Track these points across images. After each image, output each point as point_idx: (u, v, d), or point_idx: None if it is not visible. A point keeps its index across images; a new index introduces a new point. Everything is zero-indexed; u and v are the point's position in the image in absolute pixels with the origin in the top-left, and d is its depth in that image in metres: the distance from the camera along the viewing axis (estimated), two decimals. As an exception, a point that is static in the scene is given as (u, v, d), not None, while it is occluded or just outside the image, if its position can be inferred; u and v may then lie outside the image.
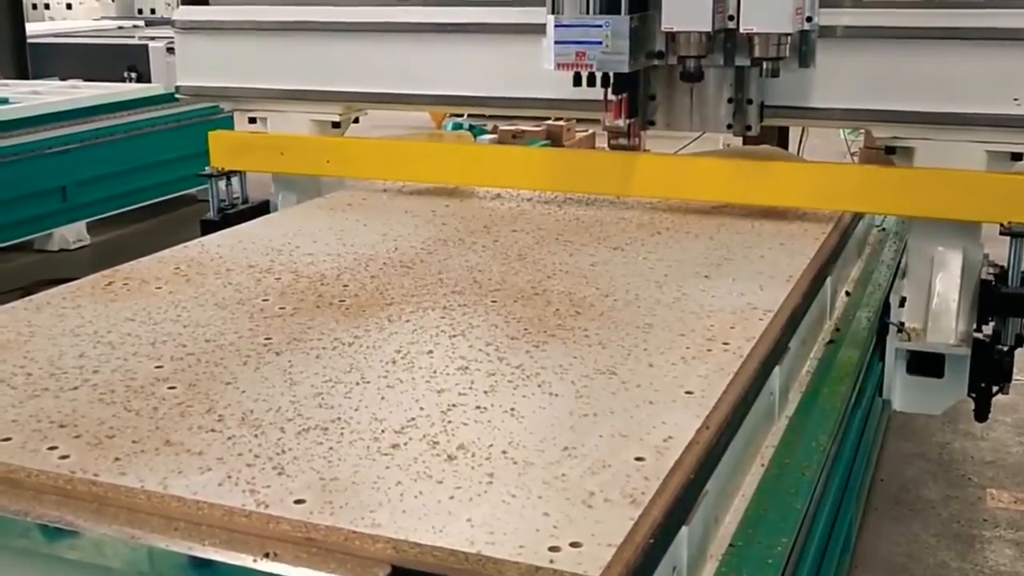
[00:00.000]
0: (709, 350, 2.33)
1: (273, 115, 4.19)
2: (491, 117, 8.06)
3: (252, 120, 4.26)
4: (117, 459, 1.81)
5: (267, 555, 1.60)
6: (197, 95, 4.36)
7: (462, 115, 9.30)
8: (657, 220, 3.51)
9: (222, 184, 4.18)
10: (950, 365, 3.52)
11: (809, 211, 3.59)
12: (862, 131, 5.53)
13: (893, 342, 3.60)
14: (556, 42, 3.18)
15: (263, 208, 4.24)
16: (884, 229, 4.49)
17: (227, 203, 4.20)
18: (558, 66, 3.20)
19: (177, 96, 4.41)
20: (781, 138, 5.96)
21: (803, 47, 3.19)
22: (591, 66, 3.17)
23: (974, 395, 3.56)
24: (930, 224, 3.50)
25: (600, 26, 3.13)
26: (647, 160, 3.76)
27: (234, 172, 4.20)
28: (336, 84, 4.03)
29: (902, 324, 3.59)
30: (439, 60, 3.88)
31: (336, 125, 4.14)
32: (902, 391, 3.70)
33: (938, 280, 3.50)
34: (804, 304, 2.83)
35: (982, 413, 3.62)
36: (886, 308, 3.62)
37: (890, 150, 3.49)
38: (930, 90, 3.34)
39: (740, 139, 4.54)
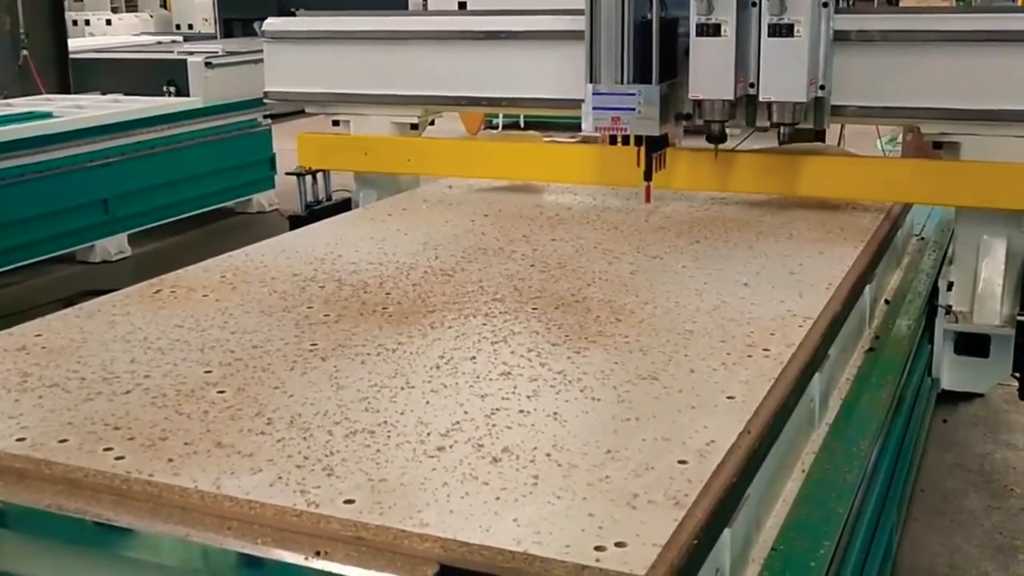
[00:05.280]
0: (750, 356, 2.35)
1: (356, 118, 4.51)
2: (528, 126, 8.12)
3: (336, 123, 4.58)
4: (170, 460, 1.85)
5: (318, 553, 1.63)
6: (284, 100, 4.67)
7: (497, 126, 9.38)
8: (695, 230, 3.53)
9: (309, 182, 4.54)
10: (995, 345, 3.83)
11: (847, 221, 3.61)
12: (899, 141, 5.58)
13: (941, 324, 3.86)
14: (594, 108, 3.48)
15: (346, 205, 4.54)
16: (923, 238, 4.49)
17: (313, 200, 4.53)
18: (596, 129, 3.52)
19: (266, 101, 4.70)
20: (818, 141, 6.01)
21: (817, 111, 3.56)
22: (625, 129, 3.47)
23: (1018, 375, 3.80)
24: (976, 213, 3.80)
25: (633, 94, 3.43)
26: (695, 156, 3.99)
27: (319, 171, 4.57)
28: (414, 89, 4.35)
29: (950, 307, 3.86)
30: (504, 65, 4.17)
31: (415, 127, 4.48)
32: (950, 370, 4.02)
33: (984, 265, 3.80)
34: (843, 312, 2.84)
35: None
36: (934, 291, 3.87)
37: (937, 145, 3.75)
38: (977, 88, 3.59)
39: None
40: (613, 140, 3.55)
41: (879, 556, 2.74)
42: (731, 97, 3.44)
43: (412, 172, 4.54)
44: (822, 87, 3.50)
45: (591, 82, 3.47)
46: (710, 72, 3.43)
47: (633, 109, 3.43)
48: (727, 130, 3.75)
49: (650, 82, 3.41)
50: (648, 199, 3.71)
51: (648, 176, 3.61)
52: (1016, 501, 4.00)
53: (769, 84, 3.42)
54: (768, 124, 3.56)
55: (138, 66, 10.59)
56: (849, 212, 3.76)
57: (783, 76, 3.39)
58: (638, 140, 3.54)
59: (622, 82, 3.43)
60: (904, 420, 3.26)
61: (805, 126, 3.57)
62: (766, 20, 3.36)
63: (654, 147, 3.59)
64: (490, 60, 4.18)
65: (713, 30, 3.39)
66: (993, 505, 3.97)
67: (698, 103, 3.53)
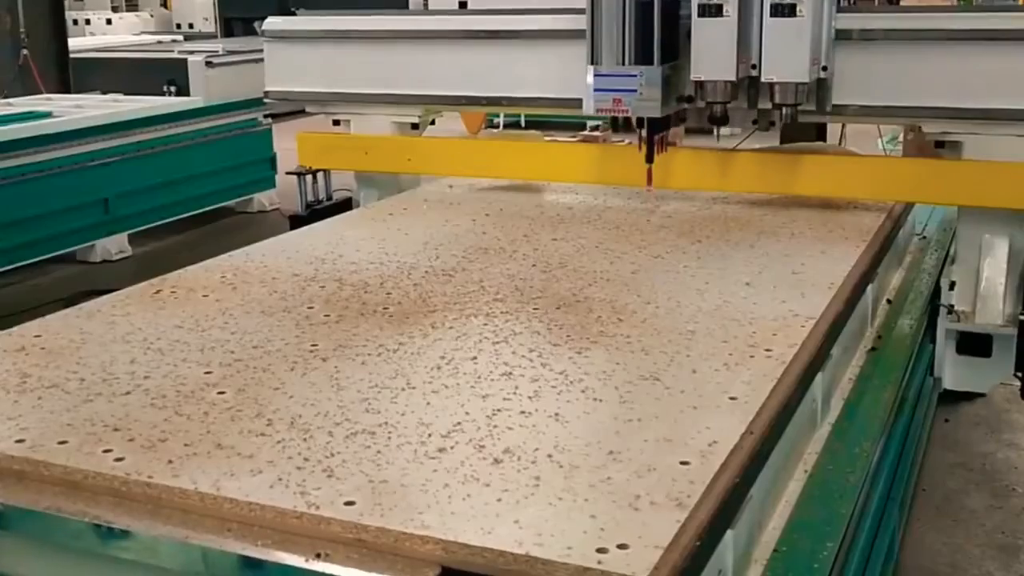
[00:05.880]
0: (752, 356, 2.34)
1: (356, 117, 4.48)
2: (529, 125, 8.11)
3: (336, 122, 4.55)
4: (170, 461, 1.85)
5: (318, 555, 1.63)
6: (284, 100, 4.64)
7: (498, 126, 9.37)
8: (697, 229, 3.52)
9: (309, 181, 4.52)
10: (997, 345, 3.79)
11: (849, 220, 3.60)
12: (900, 140, 5.56)
13: (944, 323, 3.83)
14: (595, 90, 3.46)
15: (346, 205, 4.51)
16: (925, 238, 4.48)
17: (314, 199, 4.50)
18: (597, 111, 3.48)
19: (266, 100, 4.68)
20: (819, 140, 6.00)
21: (819, 92, 3.53)
22: (627, 111, 3.44)
23: (1020, 374, 3.75)
24: (978, 212, 3.76)
25: (635, 76, 3.40)
26: (697, 155, 3.99)
27: (319, 170, 4.55)
28: (415, 88, 4.32)
29: (952, 306, 3.82)
30: (504, 64, 4.14)
31: (415, 126, 4.45)
32: (952, 370, 3.98)
33: (986, 265, 3.76)
34: (846, 311, 2.83)
35: None
36: (936, 291, 3.87)
37: (939, 144, 3.72)
38: (978, 87, 3.55)
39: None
40: (615, 122, 3.54)
41: (881, 556, 2.74)
42: (732, 78, 3.42)
43: (413, 171, 4.52)
44: (824, 68, 3.48)
45: (592, 64, 3.45)
46: (712, 53, 3.41)
47: (635, 91, 3.40)
48: (730, 130, 3.73)
49: (652, 63, 3.39)
50: (650, 182, 3.68)
51: (650, 158, 3.59)
52: (1018, 500, 3.99)
53: (771, 64, 3.40)
54: (770, 105, 3.53)
55: (138, 65, 10.61)
56: (851, 211, 3.75)
57: (785, 56, 3.37)
58: (640, 122, 3.53)
59: (624, 63, 3.41)
60: (906, 420, 3.25)
61: (807, 108, 3.53)
62: (768, 0, 3.35)
63: (656, 129, 3.57)
64: (490, 59, 4.16)
65: (715, 10, 3.38)
66: (995, 505, 3.96)
67: (700, 84, 3.50)
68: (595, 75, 3.44)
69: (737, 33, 3.39)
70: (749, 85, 3.54)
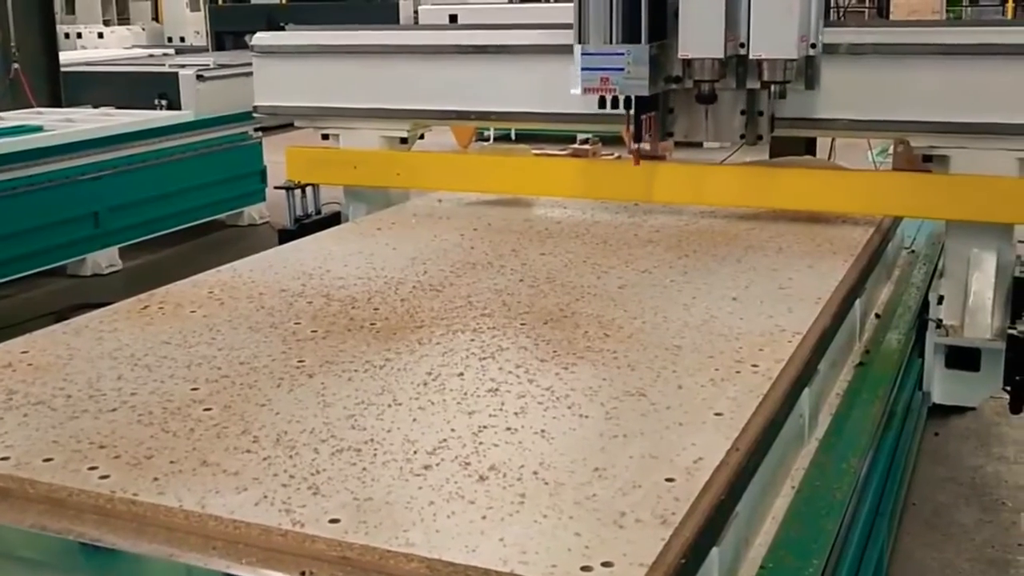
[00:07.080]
0: (738, 372, 2.34)
1: (345, 132, 4.49)
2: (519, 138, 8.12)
3: (325, 137, 4.56)
4: (156, 479, 1.84)
5: (303, 573, 1.62)
6: (273, 114, 4.65)
7: (489, 138, 9.38)
8: (684, 243, 3.53)
9: (298, 196, 4.52)
10: (986, 359, 3.78)
11: (837, 235, 3.61)
12: (890, 153, 5.59)
13: (932, 338, 3.82)
14: (582, 69, 3.45)
15: (335, 219, 4.50)
16: (913, 252, 4.49)
17: (303, 214, 4.50)
18: (584, 90, 3.46)
19: (255, 115, 4.69)
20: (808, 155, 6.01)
21: (808, 70, 3.50)
22: (614, 90, 3.43)
23: (1008, 388, 3.75)
24: (966, 227, 3.76)
25: (622, 54, 3.40)
26: (685, 169, 4.01)
27: (308, 185, 4.55)
28: (404, 103, 4.33)
29: (940, 320, 3.81)
30: (492, 79, 4.17)
31: (404, 141, 4.46)
32: (941, 384, 3.97)
33: (974, 279, 3.75)
34: (833, 326, 2.83)
35: (1017, 405, 3.81)
36: (925, 305, 3.87)
37: (927, 158, 3.73)
38: (965, 102, 3.57)
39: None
40: (602, 103, 3.52)
41: (870, 572, 2.73)
42: (720, 55, 3.39)
43: (401, 186, 4.52)
44: (813, 45, 3.44)
45: (580, 43, 3.44)
46: (699, 30, 3.39)
47: (622, 69, 3.39)
48: (719, 143, 3.72)
49: (639, 41, 3.38)
50: (637, 162, 3.66)
51: (638, 138, 3.58)
52: (1008, 515, 3.99)
53: (759, 41, 3.37)
54: (759, 84, 3.52)
55: (130, 79, 10.62)
56: (839, 225, 3.76)
57: (773, 32, 3.35)
58: (627, 102, 3.52)
59: (611, 42, 3.40)
60: (895, 434, 3.25)
61: (795, 85, 3.50)
62: None
63: (643, 108, 3.55)
64: (479, 74, 4.17)
65: None
66: (985, 519, 3.96)
67: (688, 63, 3.49)
68: (582, 54, 3.43)
69: (725, 10, 3.37)
70: (737, 64, 3.53)
